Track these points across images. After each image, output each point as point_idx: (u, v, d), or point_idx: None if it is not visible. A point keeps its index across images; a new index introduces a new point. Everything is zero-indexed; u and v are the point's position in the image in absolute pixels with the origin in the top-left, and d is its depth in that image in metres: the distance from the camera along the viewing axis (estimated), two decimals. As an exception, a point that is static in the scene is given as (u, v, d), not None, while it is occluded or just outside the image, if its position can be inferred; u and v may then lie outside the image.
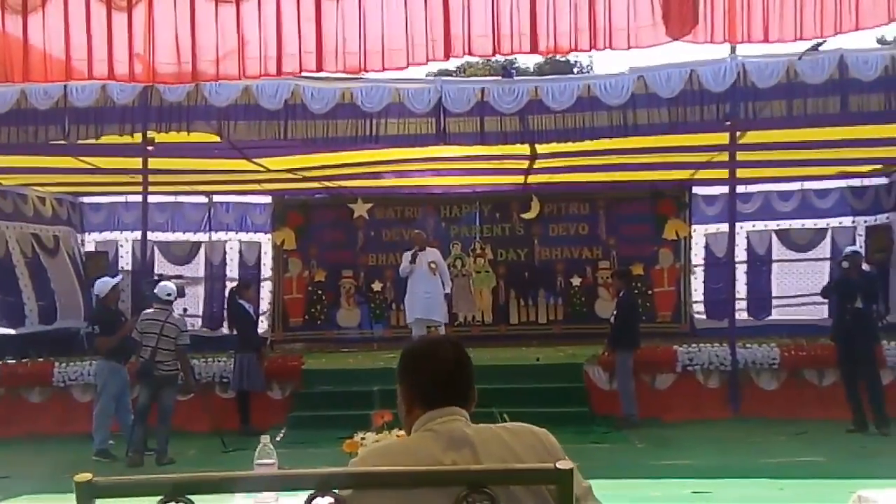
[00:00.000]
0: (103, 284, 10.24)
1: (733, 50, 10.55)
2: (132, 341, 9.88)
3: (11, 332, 13.50)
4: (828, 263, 14.96)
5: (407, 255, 12.53)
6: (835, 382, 10.96)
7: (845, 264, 10.54)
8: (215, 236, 16.24)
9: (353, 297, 15.80)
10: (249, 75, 5.96)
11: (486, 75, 21.74)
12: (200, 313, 15.83)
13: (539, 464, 2.00)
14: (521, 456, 2.09)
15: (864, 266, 10.84)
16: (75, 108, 10.88)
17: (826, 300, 12.80)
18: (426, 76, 14.12)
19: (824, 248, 15.20)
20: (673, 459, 9.08)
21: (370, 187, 15.36)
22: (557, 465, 1.79)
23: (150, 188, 12.58)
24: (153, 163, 12.01)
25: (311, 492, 1.73)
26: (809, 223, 15.33)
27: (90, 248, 16.31)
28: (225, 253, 16.23)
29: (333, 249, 15.93)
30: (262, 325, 14.91)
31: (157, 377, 9.65)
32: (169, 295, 9.92)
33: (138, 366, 9.85)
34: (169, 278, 11.52)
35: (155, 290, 10.12)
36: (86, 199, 16.22)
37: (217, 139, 11.16)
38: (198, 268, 16.14)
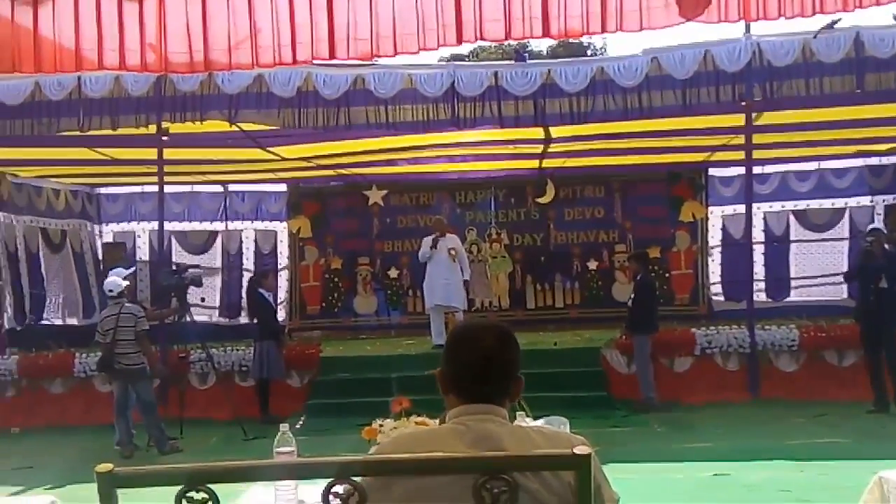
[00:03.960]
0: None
1: (748, 29, 10.45)
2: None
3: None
4: (846, 243, 14.89)
5: (427, 241, 12.47)
6: (855, 363, 10.92)
7: (869, 240, 10.46)
8: (231, 225, 16.29)
9: (370, 284, 15.83)
10: (263, 64, 5.94)
11: (499, 59, 21.66)
12: (217, 303, 15.91)
13: (556, 450, 1.98)
14: None
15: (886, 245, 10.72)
16: (90, 99, 10.92)
17: (846, 282, 12.74)
18: (438, 61, 14.08)
19: (843, 228, 15.10)
20: (693, 442, 9.07)
21: (385, 174, 15.35)
22: (575, 451, 1.78)
23: (166, 178, 12.62)
24: (168, 153, 12.05)
25: (330, 479, 1.73)
26: (827, 203, 15.20)
27: (108, 238, 16.39)
28: (241, 242, 16.28)
29: (349, 237, 15.95)
30: (280, 314, 14.95)
31: (123, 371, 9.63)
32: (111, 291, 9.82)
33: (97, 359, 9.95)
34: (187, 268, 11.54)
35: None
36: (103, 191, 16.29)
37: (231, 128, 11.18)
38: (214, 257, 16.20)
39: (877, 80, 10.31)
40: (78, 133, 11.16)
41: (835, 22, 9.85)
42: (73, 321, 14.81)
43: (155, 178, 12.53)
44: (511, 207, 15.85)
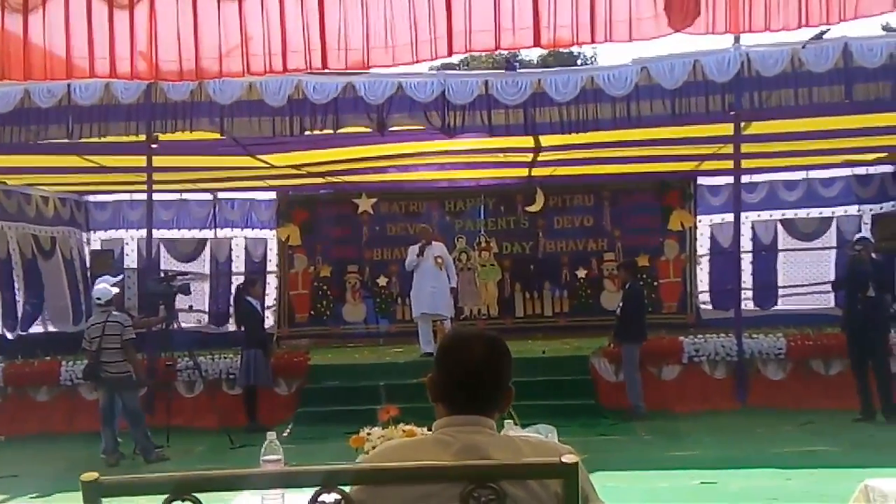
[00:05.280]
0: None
1: (737, 39, 10.50)
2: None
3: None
4: (833, 252, 14.95)
5: (413, 249, 12.49)
6: (841, 372, 10.96)
7: (857, 249, 10.52)
8: (221, 233, 16.26)
9: (359, 292, 15.81)
10: (253, 72, 5.92)
11: (489, 68, 21.70)
12: (206, 310, 15.86)
13: (543, 458, 1.99)
14: None
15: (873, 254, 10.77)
16: (79, 107, 10.88)
17: (834, 291, 12.79)
18: (429, 70, 14.09)
19: (830, 237, 15.16)
20: (680, 451, 9.08)
21: (374, 182, 15.35)
22: (562, 459, 1.79)
23: (155, 186, 12.58)
24: (158, 161, 12.02)
25: (318, 488, 1.73)
26: (815, 212, 15.27)
27: (96, 246, 16.32)
28: (230, 249, 16.25)
29: (338, 245, 15.94)
30: (268, 321, 14.92)
31: (108, 379, 9.58)
32: (99, 299, 9.77)
33: (83, 368, 9.92)
34: (175, 275, 11.51)
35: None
36: (91, 198, 16.22)
37: (221, 136, 11.16)
38: (204, 264, 16.15)
39: (865, 90, 10.35)
40: (67, 141, 11.12)
41: (823, 32, 9.90)
42: (63, 329, 14.72)
43: (144, 186, 12.50)
44: (500, 216, 15.88)
